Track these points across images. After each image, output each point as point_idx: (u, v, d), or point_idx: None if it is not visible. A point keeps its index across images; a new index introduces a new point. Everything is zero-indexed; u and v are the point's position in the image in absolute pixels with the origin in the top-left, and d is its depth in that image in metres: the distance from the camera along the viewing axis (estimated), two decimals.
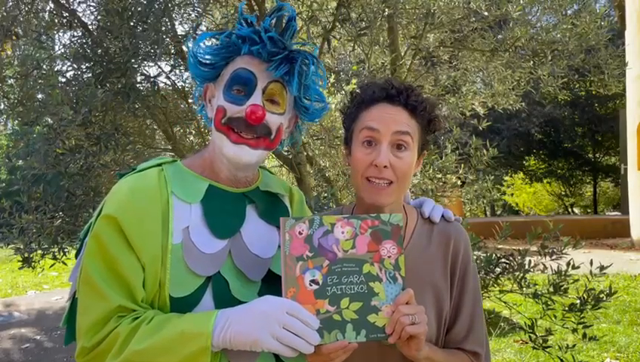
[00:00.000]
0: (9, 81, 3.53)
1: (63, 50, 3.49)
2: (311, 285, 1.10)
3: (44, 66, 3.35)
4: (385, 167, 1.24)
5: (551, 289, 2.56)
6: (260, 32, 1.16)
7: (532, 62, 3.66)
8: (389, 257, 1.14)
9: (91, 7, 3.31)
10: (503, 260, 2.65)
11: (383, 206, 1.28)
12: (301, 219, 1.12)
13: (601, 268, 2.45)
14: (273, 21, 1.20)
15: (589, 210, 19.11)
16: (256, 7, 3.20)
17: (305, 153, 3.63)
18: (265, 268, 1.22)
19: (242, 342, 1.03)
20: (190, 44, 1.23)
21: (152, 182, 1.16)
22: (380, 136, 1.26)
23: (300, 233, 1.11)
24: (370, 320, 1.11)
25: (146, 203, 1.13)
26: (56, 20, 3.38)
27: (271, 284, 1.20)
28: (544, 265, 2.54)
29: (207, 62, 1.21)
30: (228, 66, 1.21)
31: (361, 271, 1.12)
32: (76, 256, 1.25)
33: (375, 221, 1.14)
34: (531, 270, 2.58)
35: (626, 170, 10.39)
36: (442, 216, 1.41)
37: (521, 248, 2.63)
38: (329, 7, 3.49)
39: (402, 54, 3.80)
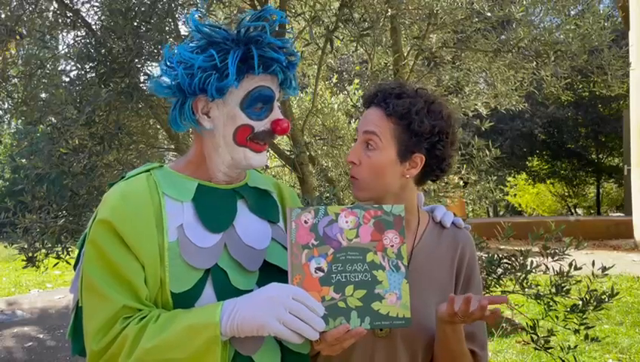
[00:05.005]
0: (13, 81, 3.54)
1: (66, 50, 3.51)
2: (316, 272, 1.12)
3: (48, 66, 3.37)
4: (353, 163, 1.34)
5: (553, 290, 2.56)
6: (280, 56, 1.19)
7: (535, 62, 3.65)
8: (392, 246, 1.16)
9: (95, 7, 3.32)
10: (505, 261, 2.65)
11: (360, 201, 1.36)
12: (307, 209, 1.15)
13: (604, 269, 2.45)
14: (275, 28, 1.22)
15: (592, 211, 19.06)
16: (259, 7, 3.20)
17: (307, 153, 3.64)
18: (261, 258, 1.24)
19: (249, 326, 1.05)
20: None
21: (141, 186, 1.20)
22: (357, 137, 1.37)
23: (306, 222, 1.14)
24: (374, 308, 1.14)
25: (138, 205, 1.16)
26: (60, 20, 3.39)
27: (268, 274, 1.22)
28: (546, 265, 2.54)
29: (227, 82, 1.17)
30: (242, 83, 1.19)
31: (365, 260, 1.15)
32: (74, 267, 1.27)
33: (378, 211, 1.17)
34: (533, 271, 2.58)
35: (629, 170, 10.36)
36: (453, 222, 1.46)
37: (523, 249, 2.63)
38: (332, 7, 3.50)
39: (405, 55, 3.80)
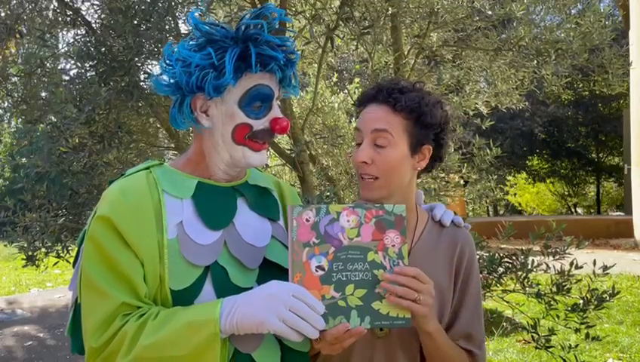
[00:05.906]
0: (13, 79, 3.54)
1: (66, 49, 3.51)
2: (317, 271, 1.12)
3: (48, 65, 3.37)
4: (365, 163, 1.31)
5: (554, 289, 2.56)
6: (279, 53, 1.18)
7: (536, 61, 3.65)
8: (393, 246, 1.16)
9: (95, 6, 3.32)
10: (505, 260, 2.65)
11: (373, 201, 1.33)
12: (308, 207, 1.15)
13: (605, 268, 2.45)
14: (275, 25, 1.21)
15: (592, 211, 19.05)
16: (259, 6, 3.20)
17: (307, 152, 3.64)
18: (260, 256, 1.24)
19: (249, 323, 1.05)
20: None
21: (141, 183, 1.20)
22: (362, 136, 1.34)
23: (307, 220, 1.14)
24: (374, 307, 1.13)
25: (138, 201, 1.16)
26: (60, 19, 3.39)
27: (268, 271, 1.22)
28: (547, 264, 2.54)
29: (224, 80, 1.17)
30: (240, 81, 1.19)
31: (366, 259, 1.15)
32: (73, 265, 1.27)
33: (379, 211, 1.17)
34: (534, 270, 2.58)
35: (629, 170, 10.35)
36: (452, 221, 1.45)
37: (524, 248, 2.63)
38: (332, 5, 3.49)
39: (405, 53, 3.80)
